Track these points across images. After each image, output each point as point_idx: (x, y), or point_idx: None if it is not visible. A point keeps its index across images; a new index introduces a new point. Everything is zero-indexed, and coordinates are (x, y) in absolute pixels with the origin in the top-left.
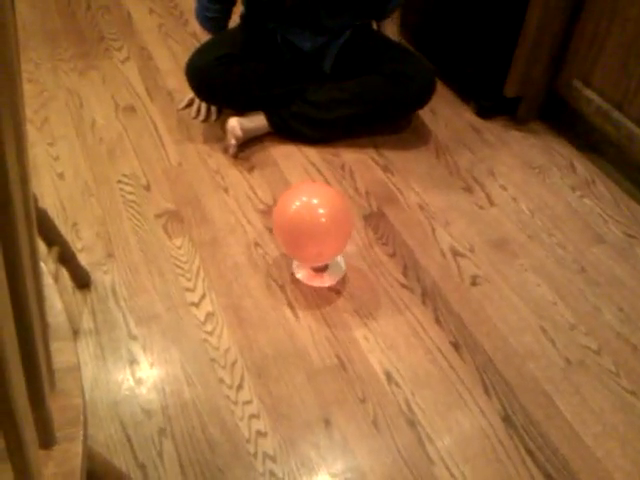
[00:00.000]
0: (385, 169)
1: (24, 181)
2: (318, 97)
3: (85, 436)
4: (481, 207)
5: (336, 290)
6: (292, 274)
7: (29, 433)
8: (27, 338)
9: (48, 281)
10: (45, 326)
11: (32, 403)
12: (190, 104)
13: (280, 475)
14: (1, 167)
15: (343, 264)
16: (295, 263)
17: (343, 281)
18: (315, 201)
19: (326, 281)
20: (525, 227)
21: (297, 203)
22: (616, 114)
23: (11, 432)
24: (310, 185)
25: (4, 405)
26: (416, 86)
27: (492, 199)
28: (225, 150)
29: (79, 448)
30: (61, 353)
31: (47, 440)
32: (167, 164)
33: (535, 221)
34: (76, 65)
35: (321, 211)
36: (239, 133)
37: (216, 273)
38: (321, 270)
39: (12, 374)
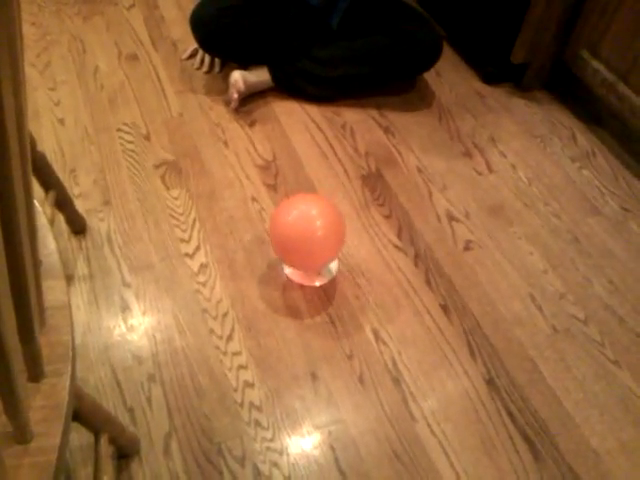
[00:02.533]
0: (386, 130)
1: (19, 114)
2: (323, 54)
3: (73, 372)
4: (479, 173)
5: None
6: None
7: (18, 365)
8: (18, 273)
9: (42, 221)
10: (37, 262)
11: (22, 337)
12: (194, 55)
13: (265, 424)
14: None
15: (335, 266)
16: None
17: None
18: (314, 212)
19: (315, 281)
20: (522, 195)
21: (295, 212)
22: (621, 86)
23: (1, 367)
24: (308, 197)
25: None
26: (423, 49)
27: (491, 165)
28: (227, 103)
29: (66, 383)
30: (52, 291)
31: (36, 374)
32: (168, 114)
33: (532, 189)
34: (80, 10)
35: (318, 223)
36: (241, 87)
37: (212, 226)
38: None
39: (2, 307)
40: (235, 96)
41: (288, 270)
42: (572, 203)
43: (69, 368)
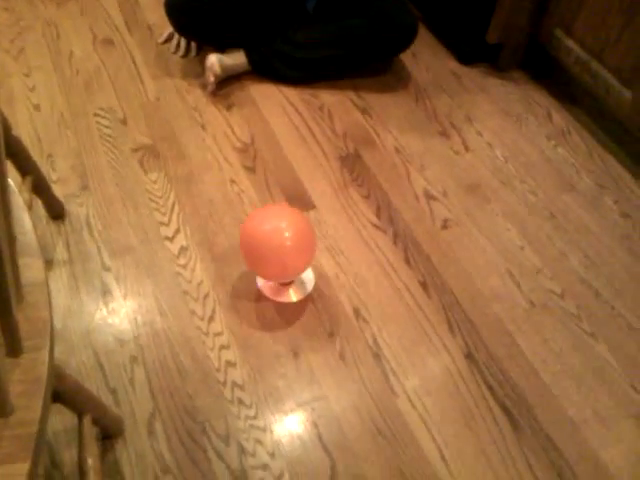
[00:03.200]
0: (363, 111)
1: None
2: (300, 37)
3: (52, 346)
4: (456, 152)
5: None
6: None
7: None
8: None
9: (18, 202)
10: (12, 238)
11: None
12: (170, 39)
13: (248, 402)
14: None
15: (311, 280)
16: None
17: (317, 222)
18: (283, 224)
19: (291, 296)
20: (498, 173)
21: (265, 226)
22: (594, 64)
23: None
24: (277, 207)
25: None
26: (399, 30)
27: (468, 145)
28: (204, 87)
29: (45, 357)
30: (29, 269)
31: (14, 348)
32: (144, 99)
33: (509, 167)
34: None
35: (287, 234)
36: (217, 70)
37: (191, 209)
38: (286, 284)
39: None
40: (211, 79)
41: (261, 282)
42: (548, 180)
43: (47, 343)
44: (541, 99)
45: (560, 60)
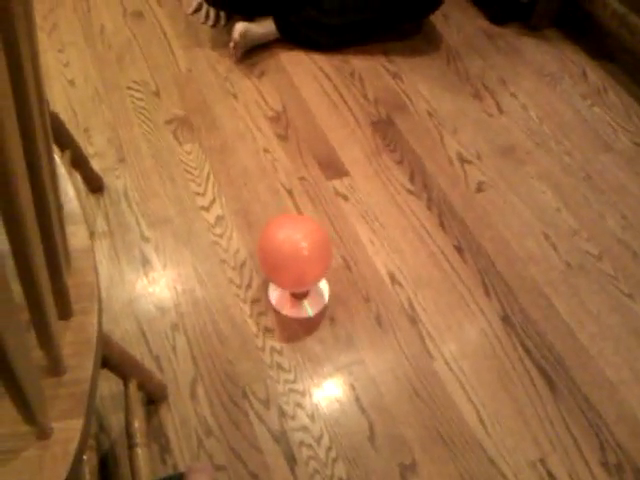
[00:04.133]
0: (395, 76)
1: (36, 72)
2: (328, 2)
3: (99, 309)
4: (490, 114)
5: (343, 195)
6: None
7: (49, 304)
8: (43, 213)
9: (61, 171)
10: (59, 205)
11: (50, 275)
12: (198, 9)
13: (286, 367)
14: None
15: (326, 293)
16: (272, 288)
17: (351, 189)
18: (298, 236)
19: (307, 310)
20: (533, 135)
21: (280, 235)
22: (632, 18)
23: (35, 303)
24: (294, 218)
25: (28, 279)
26: None
27: (501, 107)
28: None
29: (94, 320)
30: (74, 236)
31: (65, 312)
32: (176, 70)
33: (543, 129)
34: None
35: (303, 244)
36: (236, 37)
37: (225, 178)
38: (301, 297)
39: (32, 246)
40: (231, 45)
41: (275, 302)
42: (584, 141)
43: (95, 306)
44: (576, 57)
45: (596, 15)
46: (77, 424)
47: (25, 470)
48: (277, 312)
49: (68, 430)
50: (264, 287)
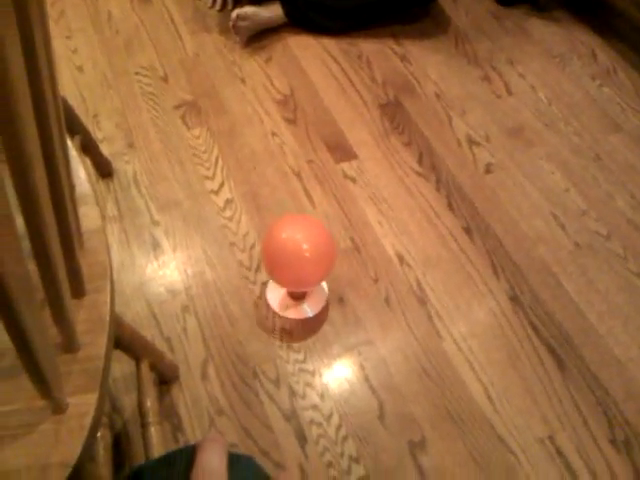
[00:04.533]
0: (403, 58)
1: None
2: None
3: (112, 288)
4: (499, 96)
5: (352, 178)
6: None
7: (64, 283)
8: (56, 192)
9: (72, 153)
10: (72, 184)
11: (64, 257)
12: None
13: (297, 348)
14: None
15: (325, 293)
16: (270, 286)
17: (359, 171)
18: (299, 236)
19: (307, 311)
20: (542, 116)
21: (283, 235)
22: None
23: (49, 282)
24: (300, 218)
25: (43, 258)
26: None
27: (510, 88)
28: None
29: (107, 298)
30: (87, 217)
31: (78, 291)
32: (184, 55)
33: (552, 110)
34: None
35: (305, 246)
36: (234, 17)
37: (234, 162)
38: (300, 298)
39: (47, 224)
40: (230, 25)
41: (273, 302)
42: (593, 121)
43: (108, 285)
44: (585, 38)
45: None
46: (91, 399)
47: (42, 443)
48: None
49: (83, 405)
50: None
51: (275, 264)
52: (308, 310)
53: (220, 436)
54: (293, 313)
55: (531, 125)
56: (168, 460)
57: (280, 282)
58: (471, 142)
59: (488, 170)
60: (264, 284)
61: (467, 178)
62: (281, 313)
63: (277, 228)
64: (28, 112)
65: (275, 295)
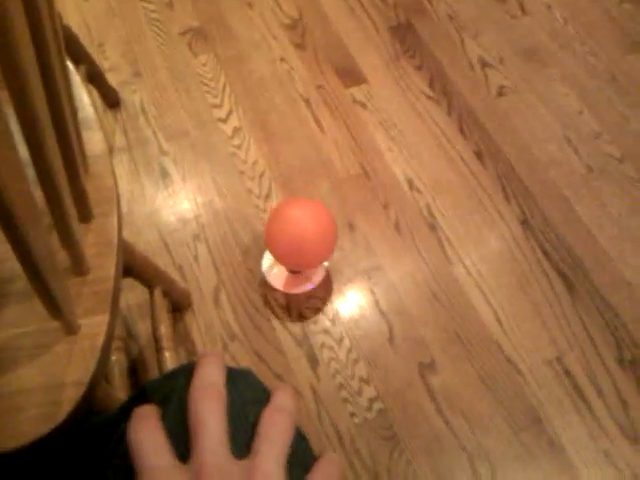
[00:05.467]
0: None
1: None
2: None
3: (119, 212)
4: (513, 16)
5: (361, 103)
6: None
7: (69, 205)
8: (59, 119)
9: (75, 79)
10: (74, 109)
11: (69, 181)
12: None
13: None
14: None
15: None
16: (266, 256)
17: (369, 96)
18: (302, 219)
19: (300, 287)
20: (557, 36)
21: (288, 215)
22: None
23: (55, 205)
24: (304, 201)
25: (48, 182)
26: None
27: (525, 7)
28: None
29: (114, 221)
30: (91, 142)
31: (85, 215)
32: None
33: (568, 29)
34: None
35: (308, 229)
36: None
37: (242, 89)
38: (297, 272)
39: (49, 147)
40: None
41: (270, 277)
42: (611, 40)
43: (115, 208)
44: None
45: None
46: (103, 320)
47: (56, 363)
48: None
49: (94, 325)
50: (283, 197)
51: (277, 244)
52: (302, 286)
53: (218, 351)
54: (294, 288)
55: (546, 46)
56: (169, 376)
57: (279, 260)
58: (484, 64)
59: (501, 93)
60: None
61: (479, 101)
62: (282, 289)
63: (282, 211)
64: (24, 33)
65: (273, 272)
